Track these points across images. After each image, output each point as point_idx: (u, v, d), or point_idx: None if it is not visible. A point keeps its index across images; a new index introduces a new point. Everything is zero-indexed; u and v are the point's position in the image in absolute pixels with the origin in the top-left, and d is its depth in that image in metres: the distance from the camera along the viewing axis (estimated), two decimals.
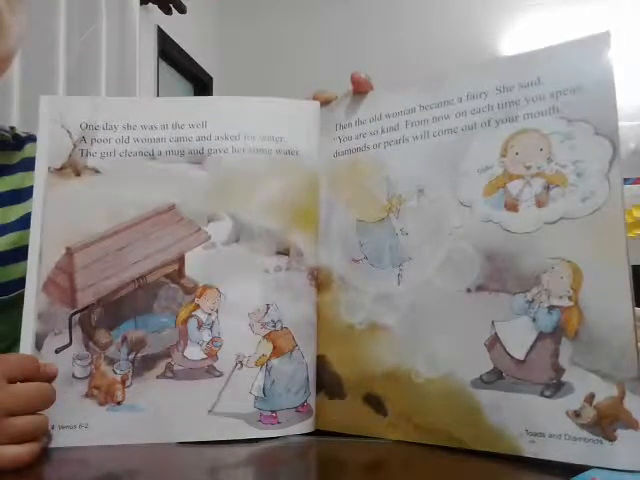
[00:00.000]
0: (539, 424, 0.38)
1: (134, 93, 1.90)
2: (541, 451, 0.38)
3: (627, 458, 0.35)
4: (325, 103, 0.50)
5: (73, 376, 0.44)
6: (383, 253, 0.46)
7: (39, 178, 0.46)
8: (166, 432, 0.44)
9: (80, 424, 0.43)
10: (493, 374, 0.40)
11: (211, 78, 2.97)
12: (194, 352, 0.45)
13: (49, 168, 0.46)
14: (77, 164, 0.47)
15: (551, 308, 0.39)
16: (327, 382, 0.47)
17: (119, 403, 0.44)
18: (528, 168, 0.41)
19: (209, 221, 0.47)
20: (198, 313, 0.46)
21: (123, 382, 0.44)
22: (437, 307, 0.43)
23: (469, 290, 0.41)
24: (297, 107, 0.50)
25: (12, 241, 0.58)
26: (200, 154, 0.47)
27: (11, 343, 0.53)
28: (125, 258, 0.45)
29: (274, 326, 0.46)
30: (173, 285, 0.46)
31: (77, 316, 0.44)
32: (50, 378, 0.41)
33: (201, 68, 2.87)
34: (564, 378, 0.38)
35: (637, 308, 0.37)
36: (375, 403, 0.45)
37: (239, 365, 0.45)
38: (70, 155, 0.47)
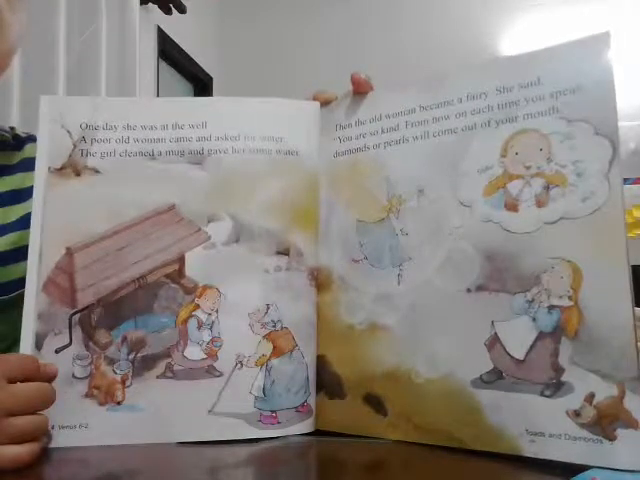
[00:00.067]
0: (539, 424, 0.38)
1: (134, 93, 1.90)
2: (541, 451, 0.38)
3: (627, 458, 0.35)
4: (325, 103, 0.50)
5: (73, 376, 0.44)
6: (383, 253, 0.46)
7: (39, 178, 0.46)
8: (166, 432, 0.44)
9: (80, 424, 0.43)
10: (493, 374, 0.40)
11: (211, 78, 2.97)
12: (194, 352, 0.45)
13: (49, 168, 0.46)
14: (77, 164, 0.47)
15: (551, 308, 0.39)
16: (327, 382, 0.47)
17: (119, 403, 0.44)
18: (528, 168, 0.41)
19: (209, 221, 0.47)
20: (198, 313, 0.46)
21: (123, 382, 0.44)
22: (437, 307, 0.43)
23: (469, 290, 0.42)
24: (297, 107, 0.50)
25: (12, 241, 0.58)
26: (200, 154, 0.47)
27: (11, 343, 0.53)
28: (125, 258, 0.45)
29: (274, 326, 0.46)
30: (173, 285, 0.46)
31: (77, 316, 0.44)
32: (50, 378, 0.41)
33: (201, 68, 2.87)
34: (564, 378, 0.38)
35: (637, 308, 0.37)
36: (375, 403, 0.45)
37: (239, 365, 0.45)
38: (70, 155, 0.47)
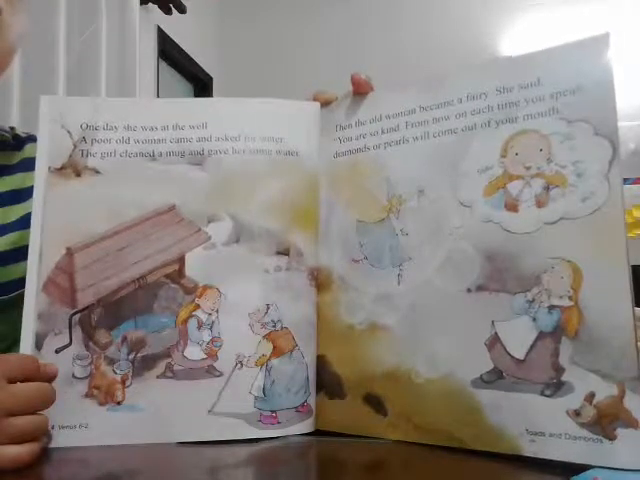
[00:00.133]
0: (539, 423, 0.38)
1: (134, 93, 1.90)
2: (541, 450, 0.38)
3: (627, 457, 0.35)
4: (325, 104, 0.50)
5: (73, 376, 0.44)
6: (383, 253, 0.46)
7: (39, 178, 0.46)
8: (166, 432, 0.44)
9: (80, 424, 0.43)
10: (493, 374, 0.40)
11: (211, 78, 2.97)
12: (194, 352, 0.45)
13: (49, 168, 0.46)
14: (77, 164, 0.47)
15: (551, 308, 0.39)
16: (327, 382, 0.47)
17: (119, 403, 0.44)
18: (528, 169, 0.41)
19: (209, 222, 0.47)
20: (198, 313, 0.46)
21: (123, 382, 0.44)
22: (437, 307, 0.43)
23: (469, 290, 0.42)
24: (297, 108, 0.50)
25: (12, 241, 0.58)
26: (200, 155, 0.47)
27: (11, 343, 0.53)
28: (125, 258, 0.45)
29: (274, 326, 0.46)
30: (173, 285, 0.46)
31: (77, 316, 0.44)
32: (50, 378, 0.41)
33: (201, 68, 2.87)
34: (564, 377, 0.38)
35: (637, 308, 0.37)
36: (375, 403, 0.45)
37: (239, 365, 0.45)
38: (70, 155, 0.47)
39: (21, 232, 0.58)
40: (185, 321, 0.46)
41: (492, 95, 0.43)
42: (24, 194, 0.60)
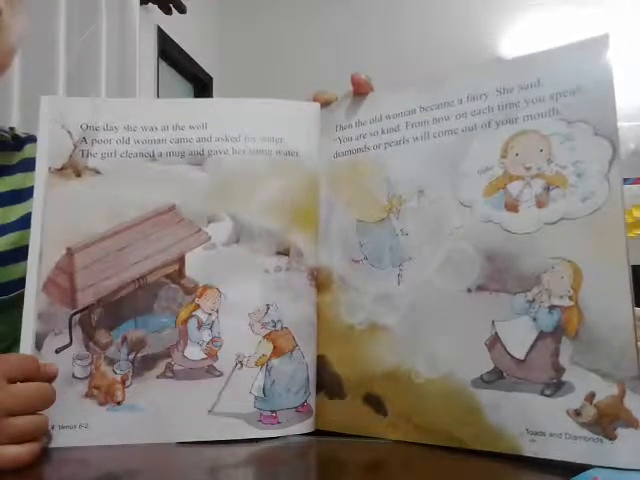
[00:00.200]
0: (539, 423, 0.38)
1: (134, 93, 1.90)
2: (541, 450, 0.38)
3: (627, 457, 0.35)
4: (325, 104, 0.50)
5: (73, 376, 0.44)
6: (383, 253, 0.46)
7: (39, 178, 0.46)
8: (166, 432, 0.44)
9: (80, 424, 0.43)
10: (493, 374, 0.40)
11: (211, 78, 2.97)
12: (194, 352, 0.45)
13: (49, 168, 0.46)
14: (77, 164, 0.47)
15: (552, 308, 0.39)
16: (327, 382, 0.47)
17: (119, 403, 0.44)
18: (528, 169, 0.41)
19: (209, 222, 0.47)
20: (198, 313, 0.46)
21: (123, 382, 0.44)
22: (437, 307, 0.43)
23: (469, 290, 0.42)
24: (297, 108, 0.50)
25: (12, 241, 0.59)
26: (200, 155, 0.47)
27: (11, 343, 0.53)
28: (125, 258, 0.45)
29: (274, 326, 0.46)
30: (173, 285, 0.46)
31: (77, 316, 0.44)
32: (50, 378, 0.41)
33: (201, 68, 2.87)
34: (564, 377, 0.38)
35: (637, 308, 0.37)
36: (375, 403, 0.45)
37: (239, 365, 0.45)
38: (70, 155, 0.47)
39: (21, 232, 0.58)
40: (185, 321, 0.46)
41: (492, 96, 0.43)
42: (24, 194, 0.60)
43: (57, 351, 0.44)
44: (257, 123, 0.48)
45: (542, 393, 0.38)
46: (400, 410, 0.44)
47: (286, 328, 0.46)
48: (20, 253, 0.56)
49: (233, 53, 3.01)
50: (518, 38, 2.65)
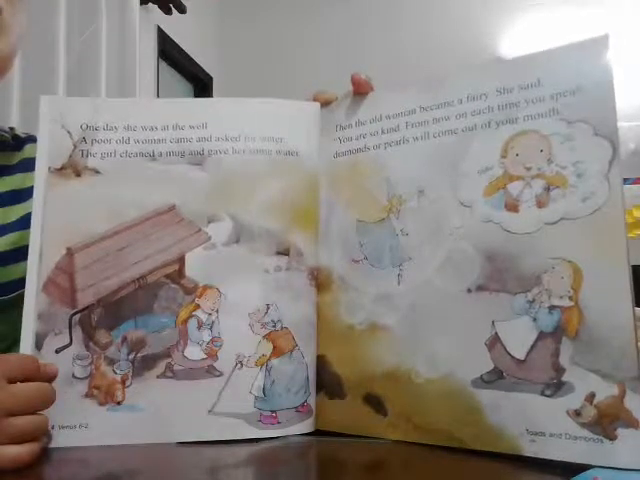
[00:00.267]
0: (539, 423, 0.38)
1: (134, 93, 1.90)
2: (541, 450, 0.38)
3: (628, 457, 0.35)
4: (325, 104, 0.50)
5: (73, 376, 0.44)
6: (383, 253, 0.46)
7: (39, 178, 0.46)
8: (166, 432, 0.44)
9: (80, 424, 0.43)
10: (493, 374, 0.40)
11: (211, 78, 2.97)
12: (194, 352, 0.45)
13: (49, 168, 0.46)
14: (77, 164, 0.47)
15: (552, 308, 0.39)
16: (327, 382, 0.47)
17: (119, 403, 0.44)
18: (528, 169, 0.41)
19: (209, 222, 0.47)
20: (198, 313, 0.46)
21: (123, 382, 0.44)
22: (437, 307, 0.43)
23: (469, 290, 0.42)
24: (297, 108, 0.50)
25: (12, 241, 0.58)
26: (200, 155, 0.47)
27: (11, 343, 0.53)
28: (125, 258, 0.45)
29: (274, 326, 0.46)
30: (173, 285, 0.46)
31: (77, 316, 0.44)
32: (50, 378, 0.41)
33: (201, 68, 2.87)
34: (564, 377, 0.38)
35: (637, 308, 0.37)
36: (375, 403, 0.45)
37: (239, 365, 0.45)
38: (70, 155, 0.47)
39: (21, 232, 0.58)
40: (185, 321, 0.46)
41: (492, 96, 0.43)
42: (24, 194, 0.60)
43: (57, 351, 0.44)
44: (257, 123, 0.48)
45: (542, 393, 0.38)
46: (400, 410, 0.43)
47: (286, 328, 0.46)
48: (20, 253, 0.56)
49: (233, 53, 3.01)
50: (518, 38, 2.65)
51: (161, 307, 0.46)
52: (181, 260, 0.46)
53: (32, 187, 0.46)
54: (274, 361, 0.46)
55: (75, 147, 0.47)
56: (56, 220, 0.46)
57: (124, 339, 0.45)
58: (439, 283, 0.43)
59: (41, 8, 1.50)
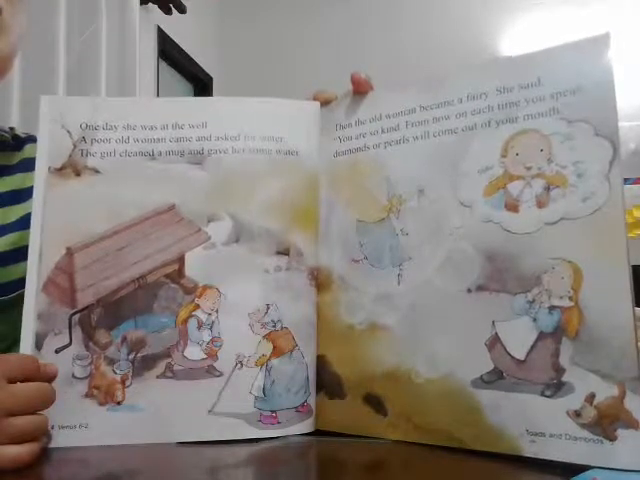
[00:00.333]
0: (539, 424, 0.38)
1: (134, 93, 1.90)
2: (541, 451, 0.38)
3: (628, 458, 0.35)
4: (325, 103, 0.50)
5: (73, 376, 0.44)
6: (383, 253, 0.46)
7: (39, 178, 0.46)
8: (166, 432, 0.44)
9: (80, 424, 0.43)
10: (493, 374, 0.40)
11: (211, 78, 2.97)
12: (194, 352, 0.45)
13: (49, 168, 0.46)
14: (77, 164, 0.47)
15: (552, 308, 0.39)
16: (327, 382, 0.47)
17: (119, 403, 0.44)
18: (528, 169, 0.41)
19: (209, 221, 0.47)
20: (198, 313, 0.46)
21: (123, 382, 0.44)
22: (437, 307, 0.43)
23: (469, 290, 0.41)
24: (297, 107, 0.50)
25: (12, 242, 0.58)
26: (200, 154, 0.47)
27: (11, 343, 0.53)
28: (125, 258, 0.45)
29: (274, 326, 0.46)
30: (173, 285, 0.46)
31: (77, 316, 0.44)
32: (50, 378, 0.41)
33: (201, 68, 2.87)
34: (564, 378, 0.38)
35: (637, 308, 0.37)
36: (375, 403, 0.45)
37: (239, 365, 0.45)
38: (70, 155, 0.47)
39: (21, 233, 0.58)
40: (185, 321, 0.46)
41: (492, 95, 0.43)
42: (24, 194, 0.60)
43: (57, 351, 0.44)
44: (257, 122, 0.48)
45: (542, 394, 0.38)
46: (400, 410, 0.43)
47: (286, 328, 0.46)
48: (20, 254, 0.56)
49: (233, 53, 3.01)
50: (518, 38, 2.65)
51: (161, 307, 0.46)
52: (181, 260, 0.46)
53: (32, 187, 0.46)
54: (274, 361, 0.46)
55: (75, 147, 0.47)
56: (56, 220, 0.45)
57: (124, 339, 0.45)
58: (439, 283, 0.43)
59: (41, 8, 1.50)
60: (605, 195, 0.38)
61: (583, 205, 0.38)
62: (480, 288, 0.41)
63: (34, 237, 0.45)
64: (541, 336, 0.39)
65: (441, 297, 0.43)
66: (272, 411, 0.45)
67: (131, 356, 0.45)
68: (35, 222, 0.45)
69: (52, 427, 0.42)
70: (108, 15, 1.83)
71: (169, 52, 2.54)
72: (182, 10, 2.44)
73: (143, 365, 0.45)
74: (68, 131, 0.47)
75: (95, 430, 0.43)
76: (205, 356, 0.45)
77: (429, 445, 0.42)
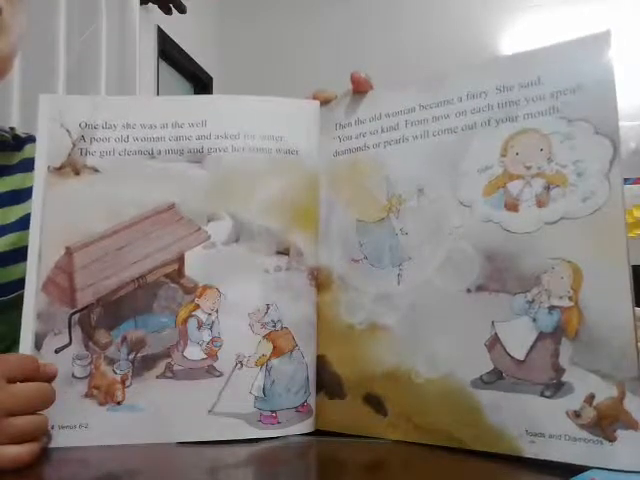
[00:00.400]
0: (539, 424, 0.38)
1: (134, 93, 1.90)
2: (541, 451, 0.38)
3: (627, 459, 0.35)
4: (325, 102, 0.50)
5: (73, 376, 0.44)
6: (383, 253, 0.46)
7: (39, 177, 0.46)
8: (166, 432, 0.44)
9: (80, 424, 0.43)
10: (493, 374, 0.40)
11: (211, 78, 2.97)
12: (194, 352, 0.45)
13: (48, 167, 0.46)
14: (76, 163, 0.47)
15: (551, 308, 0.38)
16: (327, 382, 0.47)
17: (119, 403, 0.44)
18: (528, 168, 0.41)
19: (209, 220, 0.47)
20: (198, 313, 0.46)
21: (123, 382, 0.44)
22: (437, 307, 0.43)
23: (469, 290, 0.41)
24: (297, 106, 0.50)
25: (11, 242, 0.58)
26: (200, 153, 0.47)
27: (11, 343, 0.53)
28: (125, 258, 0.45)
29: (274, 326, 0.46)
30: (173, 285, 0.46)
31: (77, 316, 0.44)
32: (50, 378, 0.41)
33: (201, 68, 2.87)
34: (564, 378, 0.38)
35: (637, 308, 0.37)
36: (375, 403, 0.44)
37: (239, 365, 0.45)
38: (69, 154, 0.47)
39: (20, 233, 0.58)
40: (185, 321, 0.46)
41: (492, 94, 0.43)
42: (24, 195, 0.60)
43: (57, 351, 0.44)
44: (256, 121, 0.48)
45: (542, 394, 0.38)
46: (400, 410, 0.43)
47: (286, 328, 0.46)
48: (19, 254, 0.56)
49: (233, 53, 3.01)
50: (518, 38, 2.64)
51: (161, 307, 0.46)
52: (181, 259, 0.46)
53: (32, 187, 0.46)
54: (274, 361, 0.46)
55: (74, 146, 0.47)
56: (55, 219, 0.45)
57: (124, 339, 0.45)
58: (439, 283, 0.43)
59: (41, 8, 1.50)
60: (605, 195, 0.38)
61: (583, 205, 0.38)
62: (480, 288, 0.41)
63: (33, 236, 0.45)
64: (541, 336, 0.39)
65: (441, 297, 0.43)
66: (272, 411, 0.45)
67: (131, 356, 0.45)
68: (34, 221, 0.45)
69: (52, 427, 0.42)
70: (108, 15, 1.83)
71: (169, 52, 2.54)
72: (182, 10, 2.44)
73: (143, 365, 0.45)
74: (67, 130, 0.47)
75: (95, 430, 0.43)
76: (205, 356, 0.45)
77: (429, 445, 0.42)
